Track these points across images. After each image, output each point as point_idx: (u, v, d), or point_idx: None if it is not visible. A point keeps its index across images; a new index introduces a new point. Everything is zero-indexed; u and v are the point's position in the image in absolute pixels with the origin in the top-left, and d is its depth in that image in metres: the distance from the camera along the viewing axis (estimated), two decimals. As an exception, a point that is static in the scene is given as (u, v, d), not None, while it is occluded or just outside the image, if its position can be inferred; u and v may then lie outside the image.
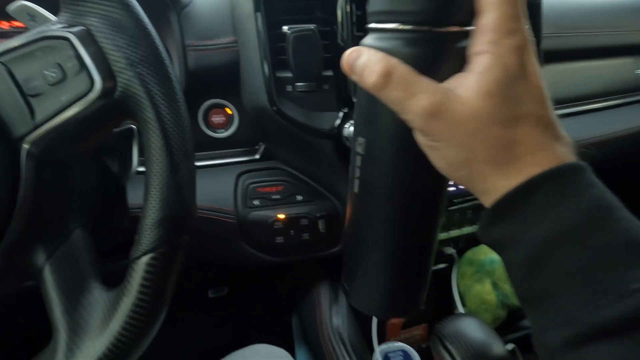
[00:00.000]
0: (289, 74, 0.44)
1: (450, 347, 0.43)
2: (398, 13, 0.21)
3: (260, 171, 0.49)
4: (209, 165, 0.49)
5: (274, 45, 0.43)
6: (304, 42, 0.40)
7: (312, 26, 0.41)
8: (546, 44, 0.56)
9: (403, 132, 0.22)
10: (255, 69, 0.43)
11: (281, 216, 0.47)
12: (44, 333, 0.29)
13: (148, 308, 0.25)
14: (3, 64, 0.24)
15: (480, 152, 0.20)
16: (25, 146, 0.24)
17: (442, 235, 0.53)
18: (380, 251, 0.26)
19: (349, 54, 0.22)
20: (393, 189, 0.24)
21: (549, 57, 0.59)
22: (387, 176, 0.24)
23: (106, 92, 0.24)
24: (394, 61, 0.20)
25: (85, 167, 0.29)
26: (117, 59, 0.24)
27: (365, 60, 0.21)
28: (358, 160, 0.25)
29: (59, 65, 0.24)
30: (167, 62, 0.25)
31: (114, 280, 0.27)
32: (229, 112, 0.49)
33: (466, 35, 0.21)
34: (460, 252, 0.57)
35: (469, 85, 0.20)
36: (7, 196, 0.24)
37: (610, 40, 0.70)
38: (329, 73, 0.44)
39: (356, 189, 0.25)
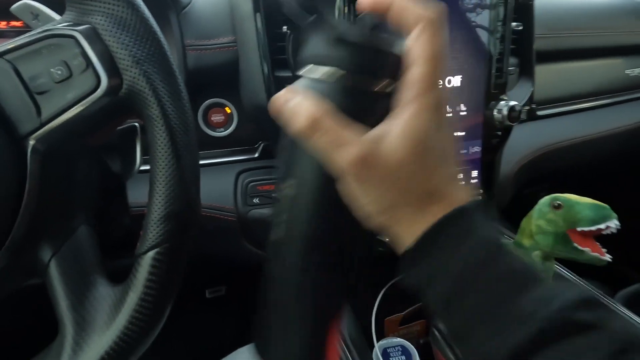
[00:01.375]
0: (288, 74, 0.45)
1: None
2: (328, 63, 0.22)
3: (260, 169, 0.50)
4: (209, 164, 0.49)
5: (273, 45, 0.43)
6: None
7: (311, 26, 0.41)
8: (539, 44, 0.57)
9: (328, 176, 0.22)
10: (254, 68, 0.44)
11: (281, 214, 0.47)
12: (49, 331, 0.29)
13: (154, 303, 0.25)
14: (9, 61, 0.24)
15: (404, 198, 0.21)
16: (32, 142, 0.24)
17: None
18: (304, 297, 0.25)
19: (279, 96, 0.22)
20: (319, 232, 0.24)
21: (542, 57, 0.61)
22: (313, 219, 0.24)
23: (112, 90, 0.24)
24: (323, 109, 0.21)
25: (89, 165, 0.30)
26: (122, 56, 0.24)
27: (295, 104, 0.21)
28: (286, 203, 0.24)
29: (65, 63, 0.24)
30: (172, 60, 0.26)
31: (115, 277, 0.28)
32: (228, 111, 0.49)
33: (392, 87, 0.22)
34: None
35: (395, 136, 0.21)
36: (14, 192, 0.24)
37: (601, 40, 0.72)
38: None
39: (281, 234, 0.25)
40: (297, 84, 0.23)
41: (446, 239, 0.20)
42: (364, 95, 0.22)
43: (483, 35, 0.49)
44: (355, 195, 0.22)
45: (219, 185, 0.48)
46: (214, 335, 0.85)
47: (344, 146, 0.20)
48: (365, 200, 0.21)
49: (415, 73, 0.21)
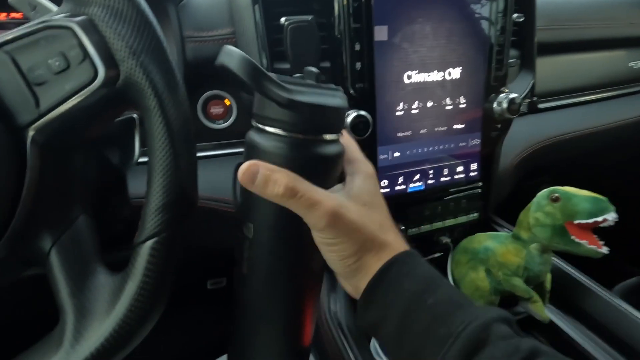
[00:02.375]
0: (286, 65, 0.45)
1: None
2: (277, 121, 0.24)
3: (259, 162, 0.50)
4: (209, 156, 0.49)
5: (272, 36, 0.43)
6: (301, 33, 0.41)
7: (309, 17, 0.41)
8: (540, 36, 0.57)
9: (285, 220, 0.25)
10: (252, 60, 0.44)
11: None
12: (48, 320, 0.29)
13: (152, 291, 0.25)
14: (7, 53, 0.24)
15: (365, 245, 0.25)
16: (31, 133, 0.24)
17: (438, 225, 0.54)
18: (271, 325, 0.28)
19: (245, 169, 0.24)
20: (279, 269, 0.27)
21: (544, 49, 0.60)
22: (273, 258, 0.27)
23: (109, 81, 0.24)
24: (293, 175, 0.24)
25: (87, 155, 0.30)
26: (119, 48, 0.24)
27: (267, 174, 0.24)
28: (247, 243, 0.27)
29: (63, 54, 0.24)
30: (169, 51, 0.26)
31: (116, 269, 0.28)
32: (228, 103, 0.50)
33: (336, 135, 0.26)
34: (456, 242, 0.58)
35: (352, 194, 0.26)
36: (13, 183, 0.24)
37: (604, 32, 0.71)
38: (326, 64, 0.45)
39: (245, 270, 0.27)
40: (252, 135, 0.26)
41: (390, 281, 0.25)
42: (308, 150, 0.25)
43: (484, 27, 0.49)
44: (329, 243, 0.25)
45: (218, 177, 0.48)
46: (215, 327, 0.86)
47: (319, 204, 0.24)
48: (336, 248, 0.25)
49: (352, 152, 0.28)
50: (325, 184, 0.26)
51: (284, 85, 0.23)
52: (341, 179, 0.27)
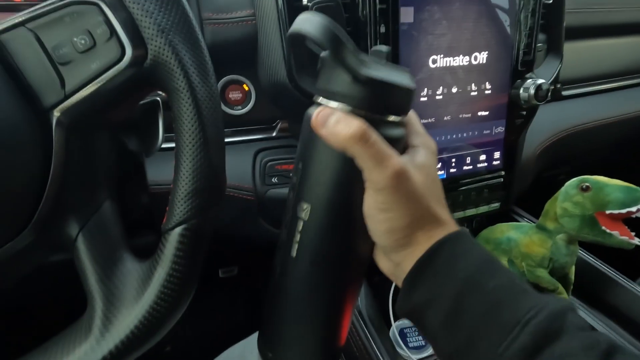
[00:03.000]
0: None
1: None
2: (344, 96, 0.23)
3: (278, 149, 0.49)
4: (227, 142, 0.48)
5: (294, 18, 0.41)
6: (326, 14, 0.39)
7: (334, -3, 0.40)
8: (569, 20, 0.55)
9: (349, 202, 0.24)
10: (274, 43, 0.42)
11: (299, 194, 0.46)
12: (75, 306, 0.29)
13: (182, 278, 0.25)
14: (31, 30, 0.23)
15: (421, 219, 0.24)
16: (56, 115, 0.24)
17: (459, 214, 0.53)
18: (313, 315, 0.26)
19: (318, 111, 0.23)
20: (332, 254, 0.25)
21: (569, 34, 0.58)
22: (328, 241, 0.25)
23: (137, 61, 0.23)
24: (366, 125, 0.23)
25: (112, 139, 0.29)
26: (147, 25, 0.23)
27: (340, 117, 0.23)
28: (299, 225, 0.25)
29: (89, 32, 0.23)
30: (198, 29, 0.25)
31: (135, 256, 0.27)
32: (246, 88, 0.48)
33: (396, 124, 0.24)
34: (474, 232, 0.57)
35: (416, 164, 0.24)
36: (40, 166, 0.23)
37: (632, 16, 0.68)
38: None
39: (294, 253, 0.25)
40: (312, 110, 0.24)
41: (445, 260, 0.23)
42: (376, 126, 0.23)
43: (512, 9, 0.47)
44: (383, 209, 0.23)
45: (237, 164, 0.47)
46: (226, 315, 0.86)
47: (388, 159, 0.23)
48: (390, 215, 0.23)
49: (417, 126, 0.26)
50: None
51: (362, 58, 0.22)
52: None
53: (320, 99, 0.24)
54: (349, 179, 0.24)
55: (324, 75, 0.24)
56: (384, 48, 0.24)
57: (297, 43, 0.24)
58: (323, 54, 0.24)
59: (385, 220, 0.23)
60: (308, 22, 0.22)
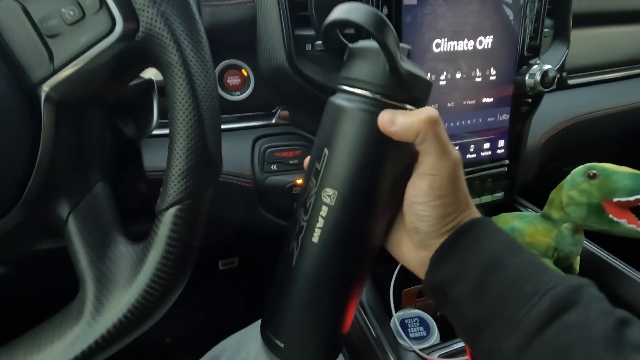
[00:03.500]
0: (307, 32, 0.42)
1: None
2: (374, 84, 0.24)
3: (277, 136, 0.48)
4: (225, 129, 0.47)
5: (293, 0, 0.40)
6: (327, -5, 0.38)
7: (335, -23, 0.38)
8: (576, 6, 0.53)
9: (382, 189, 0.25)
10: (273, 26, 0.41)
11: (299, 181, 0.46)
12: (67, 291, 0.28)
13: (176, 261, 0.24)
14: (18, 1, 0.22)
15: (464, 204, 0.25)
16: (45, 90, 0.23)
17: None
18: (332, 299, 0.27)
19: (383, 114, 0.24)
20: (356, 240, 0.26)
21: (579, 20, 0.57)
22: (355, 227, 0.26)
23: (128, 33, 0.22)
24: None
25: (104, 118, 0.28)
26: None
27: (405, 112, 0.24)
28: (323, 211, 0.25)
29: (77, 3, 0.22)
30: (192, 0, 0.24)
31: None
32: (245, 73, 0.47)
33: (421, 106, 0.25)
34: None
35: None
36: (29, 143, 0.22)
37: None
38: (351, 31, 0.42)
39: (315, 239, 0.25)
40: (336, 99, 0.26)
41: (471, 239, 0.25)
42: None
43: (519, -8, 0.45)
44: (440, 195, 0.24)
45: (236, 151, 0.46)
46: (227, 308, 0.86)
47: (450, 148, 0.24)
48: (446, 200, 0.24)
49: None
50: (404, 158, 0.25)
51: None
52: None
53: (345, 87, 0.25)
54: (387, 167, 0.25)
55: (356, 64, 0.25)
56: (406, 45, 0.26)
57: (331, 32, 0.25)
58: (354, 44, 0.25)
59: (440, 206, 0.24)
60: (355, 11, 0.22)
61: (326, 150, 0.25)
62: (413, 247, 0.27)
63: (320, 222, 0.25)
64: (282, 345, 0.27)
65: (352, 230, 0.26)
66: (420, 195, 0.25)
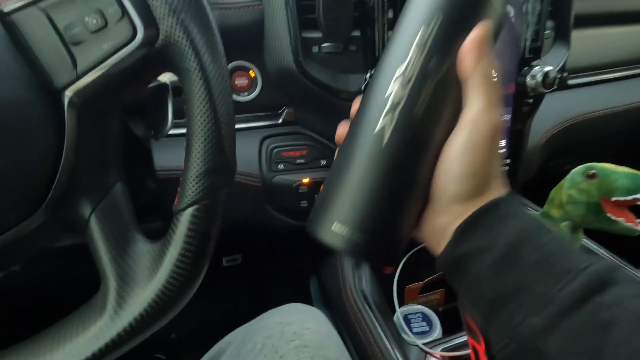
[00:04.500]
0: (314, 35, 0.43)
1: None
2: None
3: (284, 135, 0.49)
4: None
5: (301, 3, 0.41)
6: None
7: (342, -18, 0.39)
8: (576, 7, 0.54)
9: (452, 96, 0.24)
10: (280, 28, 0.42)
11: (305, 180, 0.47)
12: (87, 287, 0.29)
13: (194, 258, 0.25)
14: (43, 10, 0.23)
15: (495, 171, 0.25)
16: (68, 95, 0.24)
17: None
18: (419, 191, 0.25)
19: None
20: (427, 141, 0.24)
21: (579, 21, 0.57)
22: (424, 127, 0.24)
23: (148, 41, 0.23)
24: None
25: (121, 121, 0.29)
26: (158, 5, 0.23)
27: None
28: (432, 80, 0.23)
29: (100, 12, 0.23)
30: (209, 9, 0.25)
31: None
32: (252, 74, 0.48)
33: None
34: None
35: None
36: (53, 147, 0.24)
37: (641, 4, 0.68)
38: (356, 34, 0.43)
39: (420, 109, 0.23)
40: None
41: (498, 215, 0.24)
42: None
43: (521, -5, 0.46)
44: (479, 151, 0.24)
45: (243, 150, 0.47)
46: (231, 304, 0.87)
47: (499, 104, 0.25)
48: (481, 157, 0.24)
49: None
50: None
51: None
52: None
53: None
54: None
55: None
56: None
57: None
58: None
59: (473, 163, 0.23)
60: None
61: (440, 14, 0.23)
62: (431, 214, 0.25)
63: (426, 93, 0.23)
64: (359, 241, 0.24)
65: (422, 128, 0.24)
66: (457, 148, 0.23)
